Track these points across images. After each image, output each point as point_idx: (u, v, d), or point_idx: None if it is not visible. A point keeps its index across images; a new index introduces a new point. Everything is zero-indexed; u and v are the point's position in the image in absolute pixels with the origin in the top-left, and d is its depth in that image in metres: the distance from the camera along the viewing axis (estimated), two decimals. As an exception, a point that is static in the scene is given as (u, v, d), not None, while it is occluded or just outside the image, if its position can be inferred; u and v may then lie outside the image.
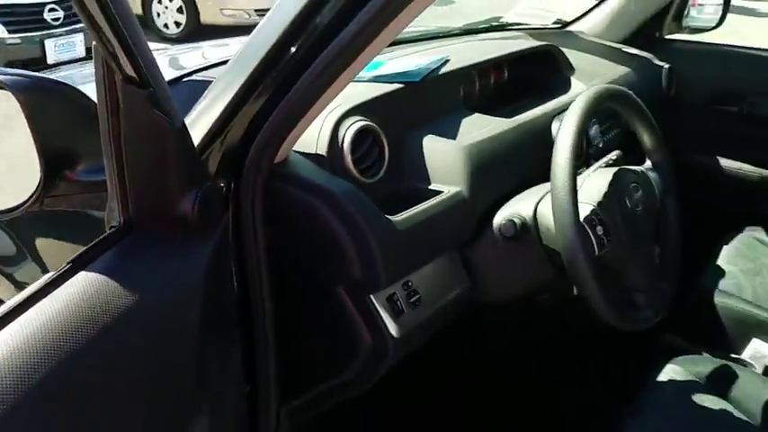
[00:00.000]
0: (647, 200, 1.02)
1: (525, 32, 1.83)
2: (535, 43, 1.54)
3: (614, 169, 1.01)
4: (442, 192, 0.97)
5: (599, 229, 0.93)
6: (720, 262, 1.58)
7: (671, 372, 1.15)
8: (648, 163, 1.14)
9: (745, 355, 1.38)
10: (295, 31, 0.72)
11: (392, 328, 0.87)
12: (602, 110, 1.35)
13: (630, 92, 1.10)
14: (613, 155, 1.12)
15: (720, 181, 1.96)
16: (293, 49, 0.72)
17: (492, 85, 1.42)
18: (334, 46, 0.69)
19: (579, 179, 1.03)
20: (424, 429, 1.51)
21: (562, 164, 0.90)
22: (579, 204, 0.93)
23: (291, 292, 0.89)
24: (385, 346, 0.88)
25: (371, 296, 0.86)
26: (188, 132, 0.68)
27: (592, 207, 0.95)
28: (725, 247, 1.65)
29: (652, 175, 1.10)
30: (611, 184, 0.97)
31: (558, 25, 2.11)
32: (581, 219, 0.92)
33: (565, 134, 0.92)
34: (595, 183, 0.99)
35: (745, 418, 1.08)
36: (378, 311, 0.86)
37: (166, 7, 6.55)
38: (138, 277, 0.62)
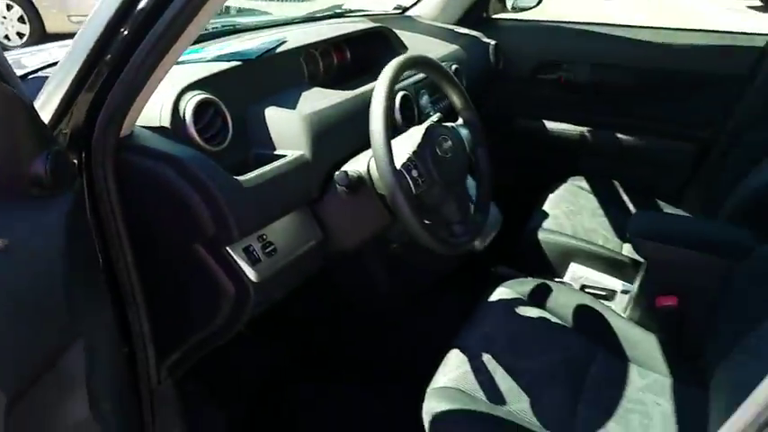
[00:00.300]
0: (456, 149, 1.20)
1: (366, 18, 1.99)
2: (369, 25, 1.69)
3: (427, 125, 1.19)
4: (286, 155, 1.09)
5: (414, 173, 1.10)
6: (546, 207, 1.84)
7: (500, 293, 1.35)
8: (460, 120, 1.32)
9: (567, 277, 1.64)
10: (120, 19, 0.82)
11: (251, 274, 0.97)
12: (429, 82, 1.53)
13: (432, 58, 1.27)
14: (434, 117, 1.29)
15: (548, 141, 2.24)
16: (121, 35, 0.82)
17: (336, 65, 1.56)
18: (157, 29, 0.80)
19: (402, 137, 1.20)
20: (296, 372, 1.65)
21: (377, 123, 1.04)
22: (398, 154, 1.09)
23: (153, 254, 0.97)
24: (246, 292, 0.99)
25: (228, 248, 0.96)
26: (34, 107, 0.76)
27: (408, 155, 1.11)
28: (551, 194, 1.92)
29: (463, 130, 1.29)
30: (423, 137, 1.15)
31: (399, 11, 2.30)
32: (399, 165, 1.08)
33: (377, 99, 1.07)
34: (411, 137, 1.16)
35: (561, 322, 1.31)
36: (235, 261, 0.97)
37: (4, 17, 6.05)
38: (5, 228, 0.69)
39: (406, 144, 1.14)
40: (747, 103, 1.87)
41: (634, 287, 1.47)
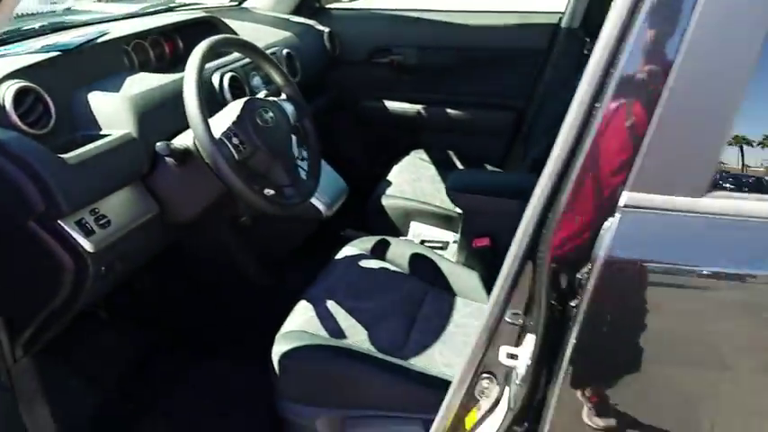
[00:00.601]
0: (278, 119, 1.31)
1: (200, 10, 2.04)
2: (196, 15, 1.76)
3: (246, 99, 1.28)
4: (111, 134, 1.14)
5: (235, 140, 1.19)
6: (390, 176, 2.01)
7: (345, 251, 1.49)
8: (284, 95, 1.44)
9: (409, 235, 1.82)
10: None
11: (85, 244, 1.02)
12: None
13: (245, 39, 1.36)
14: (261, 94, 1.39)
15: (389, 119, 2.42)
16: None
17: (168, 54, 1.61)
18: None
19: (222, 111, 1.29)
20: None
21: (190, 98, 1.12)
22: (218, 125, 1.18)
23: None
24: (84, 262, 1.03)
25: (60, 222, 1.00)
26: None
27: (228, 125, 1.20)
28: (395, 166, 2.10)
29: (287, 105, 1.40)
30: (242, 109, 1.24)
31: (236, 3, 2.37)
32: (219, 135, 1.17)
33: (188, 78, 1.14)
34: (231, 110, 1.26)
35: (398, 269, 1.47)
36: (69, 233, 1.01)
37: None
38: None
39: (226, 116, 1.22)
40: (548, 73, 2.16)
41: (458, 235, 1.67)
